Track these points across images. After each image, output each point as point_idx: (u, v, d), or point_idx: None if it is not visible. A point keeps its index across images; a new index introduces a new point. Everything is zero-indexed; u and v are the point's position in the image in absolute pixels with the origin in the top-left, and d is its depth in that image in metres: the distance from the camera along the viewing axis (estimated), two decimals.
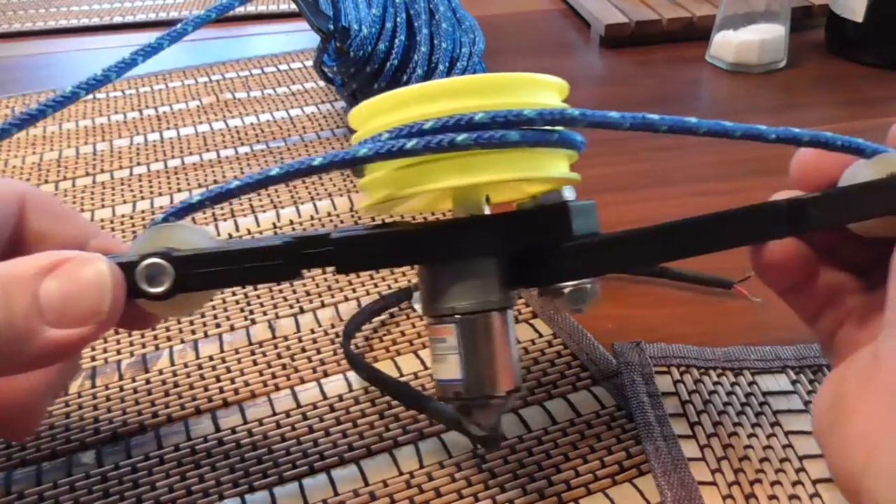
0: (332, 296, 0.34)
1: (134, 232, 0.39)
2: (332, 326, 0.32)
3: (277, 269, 0.20)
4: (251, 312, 0.33)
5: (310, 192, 0.42)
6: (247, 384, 0.29)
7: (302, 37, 0.66)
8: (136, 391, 0.29)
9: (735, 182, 0.42)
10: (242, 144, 0.48)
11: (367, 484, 0.25)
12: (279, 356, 0.31)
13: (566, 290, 0.22)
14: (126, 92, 0.56)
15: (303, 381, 0.29)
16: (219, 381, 0.30)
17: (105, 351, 0.31)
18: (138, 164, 0.46)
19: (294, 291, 0.34)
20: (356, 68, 0.41)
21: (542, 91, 0.22)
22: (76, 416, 0.28)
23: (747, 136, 0.22)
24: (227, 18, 0.70)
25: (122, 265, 0.19)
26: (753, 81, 0.56)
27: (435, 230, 0.21)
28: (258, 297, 0.34)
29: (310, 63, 0.59)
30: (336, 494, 0.25)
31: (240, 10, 0.71)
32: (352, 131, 0.23)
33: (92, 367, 0.30)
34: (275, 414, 0.28)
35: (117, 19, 0.70)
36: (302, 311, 0.33)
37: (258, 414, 0.28)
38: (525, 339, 0.31)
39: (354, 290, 0.34)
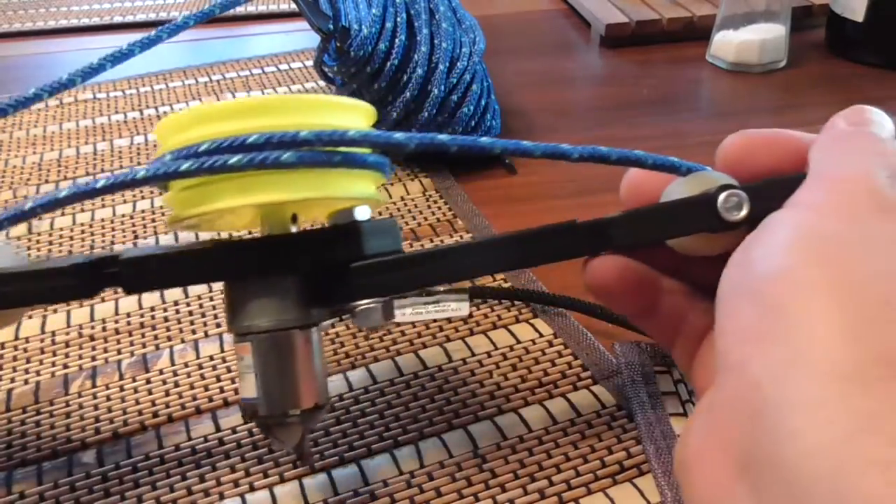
0: None
1: (134, 232, 0.39)
2: (332, 326, 0.32)
3: (72, 288, 0.21)
4: None
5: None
6: None
7: (302, 36, 0.66)
8: (136, 391, 0.29)
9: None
10: None
11: (367, 484, 0.25)
12: None
13: (357, 310, 0.22)
14: (126, 92, 0.56)
15: None
16: (219, 380, 0.30)
17: (105, 351, 0.31)
18: (138, 163, 0.46)
19: None
20: (356, 68, 0.41)
21: (343, 113, 0.22)
22: (76, 415, 0.28)
23: (546, 155, 0.21)
24: (227, 18, 0.70)
25: None
26: (753, 81, 0.56)
27: (222, 249, 0.21)
28: None
29: (310, 63, 0.59)
30: (336, 494, 0.25)
31: (240, 9, 0.71)
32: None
33: (92, 367, 0.30)
34: None
35: (117, 19, 0.70)
36: None
37: None
38: (525, 339, 0.31)
39: None
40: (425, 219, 0.39)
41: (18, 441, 0.27)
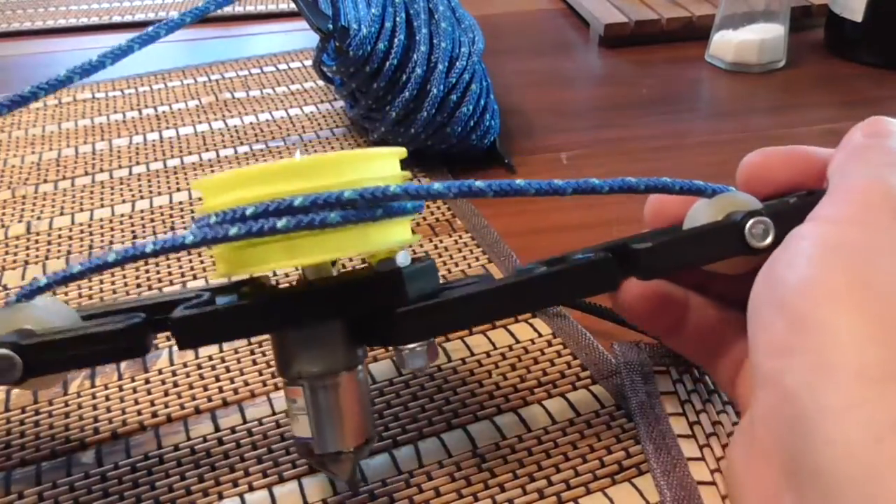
0: None
1: (133, 232, 0.39)
2: None
3: (124, 351, 0.22)
4: None
5: None
6: (246, 384, 0.29)
7: (301, 36, 0.66)
8: (135, 391, 0.29)
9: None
10: (242, 144, 0.48)
11: (366, 483, 0.25)
12: None
13: (403, 353, 0.24)
14: (125, 91, 0.56)
15: None
16: (218, 380, 0.30)
17: None
18: (137, 163, 0.46)
19: None
20: (355, 68, 0.41)
21: (377, 163, 0.23)
22: (76, 415, 0.28)
23: (578, 192, 0.22)
24: (227, 18, 0.70)
25: None
26: (753, 81, 0.56)
27: (272, 303, 0.22)
28: None
29: (309, 62, 0.59)
30: (335, 494, 0.25)
31: (239, 9, 0.71)
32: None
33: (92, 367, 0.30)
34: (274, 413, 0.28)
35: (116, 19, 0.70)
36: None
37: (258, 413, 0.28)
38: (525, 339, 0.31)
39: None
40: (424, 219, 0.39)
41: (17, 441, 0.27)
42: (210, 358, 0.31)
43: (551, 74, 0.58)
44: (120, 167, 0.46)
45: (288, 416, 0.23)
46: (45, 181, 0.44)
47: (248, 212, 0.20)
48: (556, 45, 0.64)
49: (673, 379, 0.29)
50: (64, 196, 0.43)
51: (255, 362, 0.30)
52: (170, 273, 0.36)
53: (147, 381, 0.30)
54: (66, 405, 0.29)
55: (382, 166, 0.23)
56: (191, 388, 0.29)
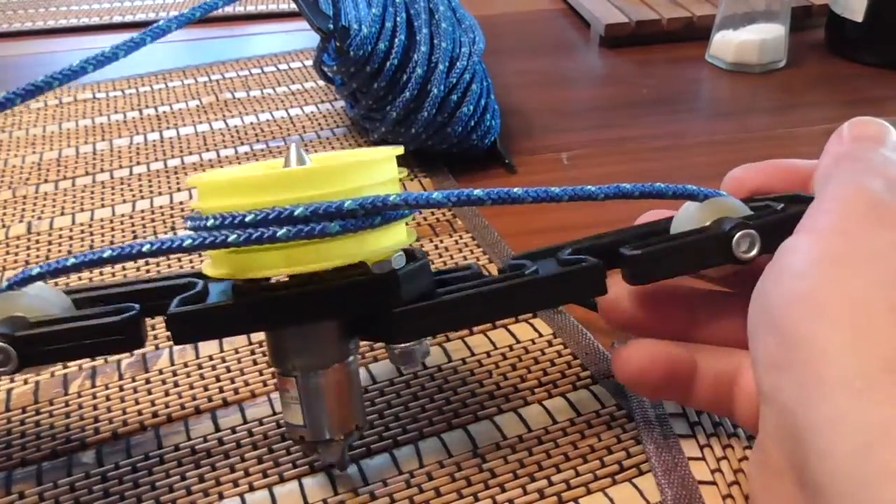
0: None
1: (133, 232, 0.39)
2: None
3: (119, 343, 0.22)
4: None
5: None
6: (247, 384, 0.29)
7: (301, 36, 0.66)
8: (136, 391, 0.29)
9: None
10: (242, 144, 0.48)
11: (366, 483, 0.25)
12: None
13: (396, 351, 0.25)
14: (126, 91, 0.56)
15: None
16: (219, 380, 0.30)
17: None
18: (138, 163, 0.46)
19: None
20: (356, 68, 0.41)
21: (375, 169, 0.23)
22: (76, 415, 0.28)
23: (574, 199, 0.23)
24: (227, 18, 0.70)
25: None
26: (753, 81, 0.56)
27: (267, 303, 0.22)
28: None
29: (309, 62, 0.59)
30: (336, 494, 0.25)
31: (239, 9, 0.71)
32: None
33: (92, 367, 0.30)
34: (275, 413, 0.28)
35: (117, 19, 0.70)
36: None
37: (258, 413, 0.28)
38: (525, 339, 0.31)
39: None
40: (424, 219, 0.39)
41: (18, 441, 0.27)
42: (210, 358, 0.31)
43: (552, 74, 0.58)
44: (121, 167, 0.46)
45: (281, 402, 0.24)
46: (46, 181, 0.44)
47: (248, 218, 0.20)
48: (556, 45, 0.64)
49: None
50: (65, 196, 0.43)
51: (255, 362, 0.30)
52: (169, 269, 0.36)
53: (147, 381, 0.30)
54: (67, 405, 0.29)
55: (381, 171, 0.23)
56: (191, 388, 0.29)
